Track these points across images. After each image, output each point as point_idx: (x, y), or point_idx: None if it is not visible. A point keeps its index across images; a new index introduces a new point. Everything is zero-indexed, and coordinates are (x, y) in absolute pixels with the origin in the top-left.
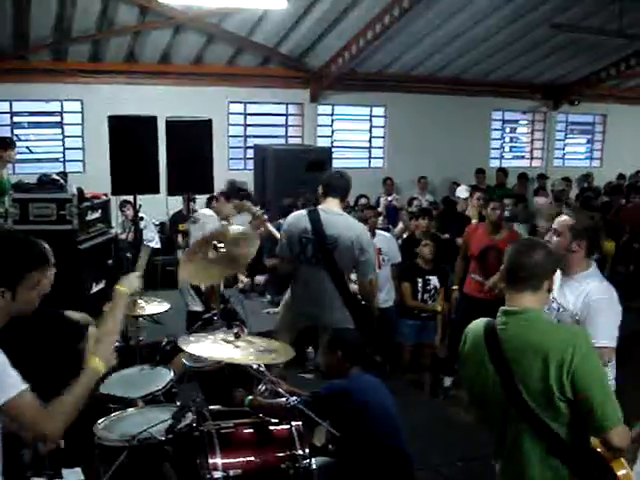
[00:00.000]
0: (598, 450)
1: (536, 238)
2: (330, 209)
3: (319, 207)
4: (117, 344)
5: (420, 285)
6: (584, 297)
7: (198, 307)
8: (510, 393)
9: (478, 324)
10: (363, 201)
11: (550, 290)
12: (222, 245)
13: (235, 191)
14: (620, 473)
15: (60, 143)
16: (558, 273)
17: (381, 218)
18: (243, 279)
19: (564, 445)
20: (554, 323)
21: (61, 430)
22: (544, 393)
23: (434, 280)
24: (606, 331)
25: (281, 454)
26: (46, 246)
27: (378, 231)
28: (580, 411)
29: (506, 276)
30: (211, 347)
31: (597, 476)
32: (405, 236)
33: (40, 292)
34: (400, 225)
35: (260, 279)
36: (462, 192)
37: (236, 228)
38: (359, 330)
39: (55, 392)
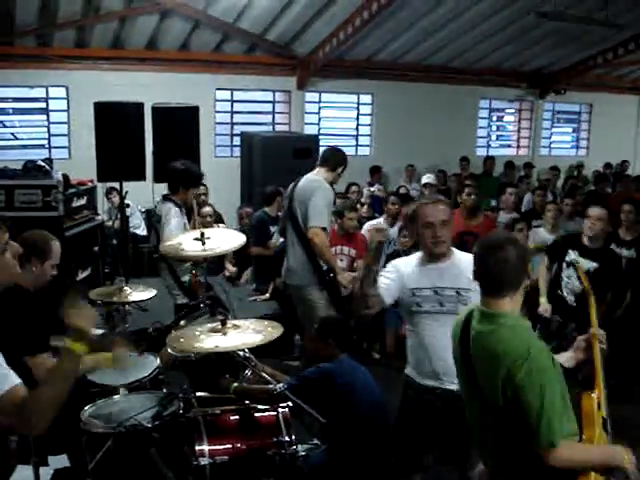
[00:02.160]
0: None
1: (504, 233)
2: (312, 173)
3: None
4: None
5: None
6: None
7: (184, 300)
8: (473, 389)
9: (461, 315)
10: (354, 189)
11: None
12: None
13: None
14: None
15: (45, 129)
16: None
17: (365, 207)
18: (230, 268)
19: (520, 449)
20: (517, 331)
21: (44, 425)
22: (496, 397)
23: None
24: None
25: (267, 440)
26: None
27: None
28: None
29: (481, 282)
30: (200, 340)
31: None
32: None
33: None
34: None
35: (248, 273)
36: (425, 178)
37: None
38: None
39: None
